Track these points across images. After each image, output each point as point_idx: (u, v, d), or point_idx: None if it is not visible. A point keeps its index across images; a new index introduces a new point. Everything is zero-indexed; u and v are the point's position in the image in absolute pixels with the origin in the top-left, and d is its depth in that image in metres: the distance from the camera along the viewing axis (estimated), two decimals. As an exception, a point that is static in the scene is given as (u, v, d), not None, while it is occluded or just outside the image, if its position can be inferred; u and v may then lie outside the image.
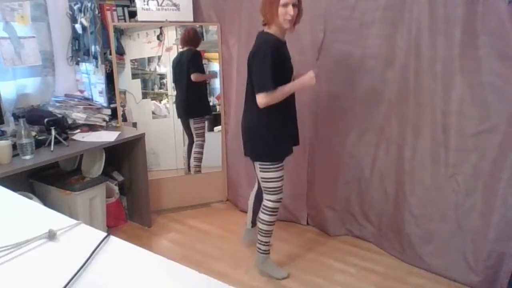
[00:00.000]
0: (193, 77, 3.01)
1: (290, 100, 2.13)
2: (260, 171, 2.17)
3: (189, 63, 3.02)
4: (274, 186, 2.18)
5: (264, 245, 2.32)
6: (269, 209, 2.22)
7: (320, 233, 2.85)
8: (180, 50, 3.01)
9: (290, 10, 1.95)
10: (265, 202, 2.23)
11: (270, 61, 1.95)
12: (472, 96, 2.09)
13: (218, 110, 3.17)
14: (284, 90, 2.01)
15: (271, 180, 2.16)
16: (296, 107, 2.24)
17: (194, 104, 3.12)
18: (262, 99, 1.98)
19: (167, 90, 3.05)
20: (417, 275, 2.38)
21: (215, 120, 3.19)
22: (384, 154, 2.53)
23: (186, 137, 3.16)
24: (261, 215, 2.27)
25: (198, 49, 3.04)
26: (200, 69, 3.07)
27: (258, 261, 2.37)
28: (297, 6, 2.00)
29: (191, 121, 3.12)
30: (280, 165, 2.15)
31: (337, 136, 2.66)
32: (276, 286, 2.29)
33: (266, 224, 2.26)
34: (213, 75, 3.11)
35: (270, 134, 2.11)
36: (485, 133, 2.09)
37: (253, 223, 2.56)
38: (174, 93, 3.07)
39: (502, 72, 1.98)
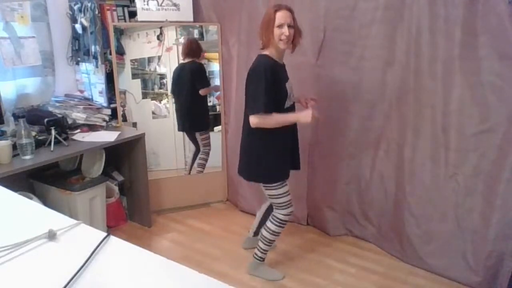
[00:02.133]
0: (202, 92, 3.05)
1: (290, 126, 2.12)
2: (264, 189, 2.21)
3: (195, 77, 3.04)
4: (282, 201, 2.20)
5: (262, 252, 2.33)
6: (278, 221, 2.24)
7: (320, 233, 2.85)
8: (182, 61, 2.99)
9: (286, 30, 1.97)
10: (275, 213, 2.25)
11: (264, 84, 1.95)
12: (472, 96, 2.09)
13: (218, 110, 3.17)
14: (277, 119, 2.02)
15: (277, 197, 2.19)
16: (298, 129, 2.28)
17: (200, 118, 3.15)
18: (253, 120, 2.01)
19: (167, 90, 3.05)
20: (417, 275, 2.38)
21: (215, 120, 3.19)
22: (384, 154, 2.53)
23: (186, 139, 3.16)
24: (268, 224, 2.27)
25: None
26: (208, 83, 3.09)
27: (251, 266, 2.37)
28: (293, 27, 2.01)
29: (197, 134, 3.14)
30: (280, 183, 2.16)
31: (337, 136, 2.66)
32: (276, 286, 2.29)
33: (271, 234, 2.26)
34: (217, 87, 3.12)
35: (269, 156, 2.11)
36: (485, 133, 2.09)
37: (256, 233, 2.56)
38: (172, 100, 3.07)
39: (502, 72, 1.98)
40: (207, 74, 3.09)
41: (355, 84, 2.51)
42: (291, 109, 2.16)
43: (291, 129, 2.18)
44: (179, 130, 3.11)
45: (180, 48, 3.00)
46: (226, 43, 2.99)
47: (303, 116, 2.06)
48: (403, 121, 2.38)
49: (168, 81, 3.04)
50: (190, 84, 3.04)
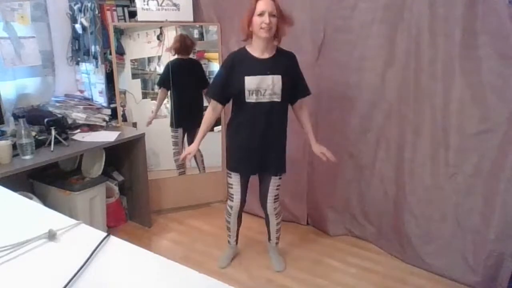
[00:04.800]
0: (205, 92, 3.01)
1: (257, 129, 2.09)
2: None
3: (197, 75, 3.04)
4: (229, 191, 2.32)
5: (228, 236, 2.49)
6: (225, 209, 2.39)
7: (320, 233, 2.85)
8: (177, 57, 2.96)
9: (266, 18, 1.93)
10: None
11: (219, 75, 2.12)
12: (472, 96, 2.09)
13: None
14: (204, 121, 2.22)
15: (228, 185, 2.33)
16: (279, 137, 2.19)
17: (200, 115, 3.11)
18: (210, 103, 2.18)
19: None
20: (417, 275, 2.38)
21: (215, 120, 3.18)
22: (384, 154, 2.53)
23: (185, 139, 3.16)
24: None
25: (198, 49, 3.03)
26: (207, 83, 3.04)
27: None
28: (275, 16, 1.97)
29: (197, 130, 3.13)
30: (231, 173, 2.25)
31: (337, 136, 2.66)
32: (276, 286, 2.29)
33: (225, 220, 2.44)
34: None
35: (229, 145, 2.27)
36: (485, 133, 2.09)
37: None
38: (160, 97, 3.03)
39: (502, 72, 1.98)
40: (207, 74, 3.09)
41: (355, 84, 2.51)
42: (261, 106, 2.05)
43: (259, 133, 2.10)
44: (176, 127, 3.08)
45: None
46: (226, 43, 2.99)
47: (188, 149, 2.23)
48: (403, 121, 2.38)
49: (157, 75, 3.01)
50: (191, 80, 3.03)
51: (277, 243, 2.49)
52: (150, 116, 3.02)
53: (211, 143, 3.14)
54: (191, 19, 2.99)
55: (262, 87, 2.02)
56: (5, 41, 2.41)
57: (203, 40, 3.05)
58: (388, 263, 2.50)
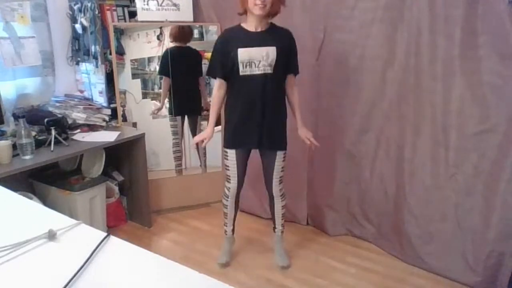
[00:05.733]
0: (201, 80, 3.08)
1: (256, 103, 2.11)
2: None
3: (196, 63, 3.05)
4: (226, 173, 2.31)
5: (224, 225, 2.48)
6: (223, 192, 2.38)
7: (320, 233, 2.85)
8: (176, 45, 2.96)
9: None
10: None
11: (214, 51, 2.16)
12: (472, 96, 2.09)
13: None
14: (212, 105, 2.27)
15: (225, 167, 2.34)
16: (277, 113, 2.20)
17: (198, 102, 3.15)
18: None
19: (167, 93, 3.04)
20: (417, 275, 2.38)
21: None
22: (384, 154, 2.53)
23: (186, 139, 3.15)
24: None
25: (198, 49, 3.04)
26: (201, 73, 3.09)
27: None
28: None
29: (199, 118, 3.14)
30: (228, 152, 2.25)
31: (337, 136, 2.66)
32: (276, 286, 2.29)
33: (223, 205, 2.42)
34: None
35: (227, 121, 2.26)
36: (485, 133, 2.09)
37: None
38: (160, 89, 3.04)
39: (502, 72, 1.98)
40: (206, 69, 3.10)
41: (355, 84, 2.51)
42: (256, 78, 2.07)
43: (255, 106, 2.11)
44: (175, 115, 3.07)
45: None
46: (226, 43, 2.99)
47: (202, 134, 2.27)
48: (403, 121, 2.38)
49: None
50: (189, 68, 3.04)
51: (282, 232, 2.46)
52: (156, 107, 3.03)
53: (211, 143, 3.13)
54: (191, 19, 2.99)
55: (256, 59, 2.05)
56: (5, 41, 2.41)
57: (203, 40, 3.05)
58: (388, 263, 2.50)
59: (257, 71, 2.07)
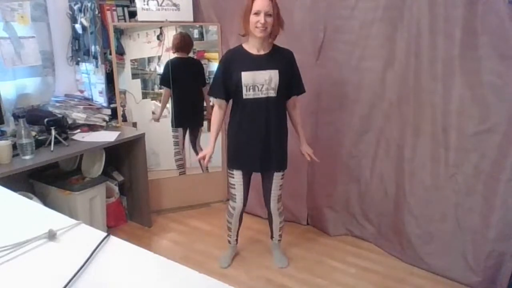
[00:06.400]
0: (204, 90, 3.05)
1: (260, 125, 2.12)
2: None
3: (198, 73, 3.05)
4: (231, 192, 2.33)
5: (228, 236, 2.50)
6: (227, 210, 2.40)
7: (320, 233, 2.85)
8: (177, 56, 2.97)
9: (261, 18, 1.96)
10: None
11: (217, 72, 2.17)
12: (472, 96, 2.09)
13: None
14: (212, 125, 2.26)
15: (229, 186, 2.33)
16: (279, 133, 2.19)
17: (201, 114, 3.15)
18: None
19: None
20: (417, 275, 2.38)
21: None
22: (384, 154, 2.53)
23: (186, 139, 3.15)
24: None
25: (198, 49, 3.04)
26: (205, 82, 3.08)
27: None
28: (272, 16, 1.99)
29: (201, 129, 3.15)
30: (232, 172, 2.26)
31: (337, 136, 2.66)
32: (276, 286, 2.29)
33: (226, 221, 2.44)
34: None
35: (229, 142, 2.27)
36: (485, 133, 2.09)
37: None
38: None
39: (502, 72, 1.98)
40: (207, 75, 3.09)
41: (355, 84, 2.51)
42: (258, 102, 2.08)
43: (259, 129, 2.12)
44: (176, 126, 3.07)
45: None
46: (226, 43, 2.99)
47: (204, 151, 2.26)
48: (403, 121, 2.38)
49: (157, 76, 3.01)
50: (191, 80, 3.04)
51: (279, 240, 2.50)
52: (154, 117, 3.03)
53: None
54: (191, 19, 2.99)
55: (259, 82, 2.06)
56: (5, 41, 2.41)
57: (203, 40, 3.05)
58: (388, 263, 2.50)
59: (260, 94, 2.08)
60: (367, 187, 2.64)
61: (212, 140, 2.25)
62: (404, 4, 2.21)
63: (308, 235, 2.83)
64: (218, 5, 2.97)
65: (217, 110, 2.23)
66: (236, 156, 2.24)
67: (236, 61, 2.10)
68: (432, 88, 2.21)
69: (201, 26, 3.03)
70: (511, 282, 2.08)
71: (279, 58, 2.12)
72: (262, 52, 2.09)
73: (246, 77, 2.05)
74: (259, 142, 2.16)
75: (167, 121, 3.07)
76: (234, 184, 2.28)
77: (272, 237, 2.52)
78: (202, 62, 3.05)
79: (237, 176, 2.25)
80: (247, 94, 2.07)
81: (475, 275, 2.21)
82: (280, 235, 2.49)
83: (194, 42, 3.01)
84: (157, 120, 3.04)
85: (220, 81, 2.13)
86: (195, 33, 3.03)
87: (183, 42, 2.96)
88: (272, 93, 2.09)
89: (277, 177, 2.26)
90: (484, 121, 2.08)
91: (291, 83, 2.17)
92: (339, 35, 2.50)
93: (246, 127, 2.15)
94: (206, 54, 3.07)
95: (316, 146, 2.73)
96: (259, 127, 2.13)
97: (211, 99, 2.27)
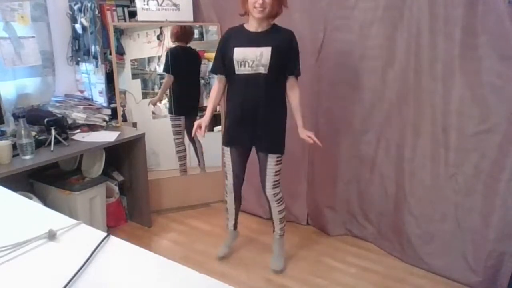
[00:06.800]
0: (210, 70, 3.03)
1: (249, 101, 2.12)
2: None
3: (198, 63, 3.05)
4: (225, 169, 2.38)
5: (226, 219, 2.55)
6: (224, 189, 2.46)
7: (320, 233, 2.85)
8: (178, 45, 2.97)
9: None
10: None
11: (217, 49, 2.21)
12: (472, 96, 2.09)
13: (218, 110, 3.16)
14: (210, 98, 2.30)
15: (223, 164, 2.40)
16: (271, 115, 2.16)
17: (198, 101, 3.15)
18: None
19: (167, 90, 3.05)
20: (417, 275, 2.38)
21: (215, 120, 3.18)
22: (384, 154, 2.53)
23: (186, 140, 3.15)
24: None
25: (198, 49, 3.04)
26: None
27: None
28: None
29: (197, 118, 3.13)
30: (225, 149, 2.29)
31: (337, 136, 2.66)
32: (276, 286, 2.29)
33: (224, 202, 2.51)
34: None
35: (225, 117, 2.32)
36: (485, 133, 2.09)
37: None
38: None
39: (502, 72, 1.98)
40: (208, 75, 3.10)
41: (355, 84, 2.51)
42: (251, 78, 2.08)
43: (248, 105, 2.12)
44: (177, 114, 3.06)
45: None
46: (226, 43, 2.99)
47: (197, 121, 2.23)
48: (403, 121, 2.38)
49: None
50: (191, 68, 3.05)
51: (281, 235, 2.43)
52: (153, 100, 3.03)
53: (211, 143, 3.14)
54: (191, 19, 2.99)
55: (249, 58, 2.06)
56: (5, 41, 2.41)
57: (203, 40, 3.05)
58: (388, 263, 2.50)
59: (250, 70, 2.07)
60: (367, 187, 2.64)
61: (208, 111, 2.26)
62: (404, 4, 2.21)
63: (308, 235, 2.83)
64: (218, 5, 2.97)
65: (217, 84, 2.28)
66: (227, 133, 2.27)
67: (233, 37, 2.13)
68: (432, 88, 2.21)
69: (201, 26, 3.03)
70: (511, 282, 2.08)
71: (275, 37, 2.09)
72: (259, 30, 2.10)
73: (238, 52, 2.07)
74: (248, 119, 2.14)
75: (166, 120, 3.07)
76: (225, 162, 2.33)
77: (273, 229, 2.45)
78: (202, 62, 3.06)
79: (227, 153, 2.29)
80: (238, 69, 2.09)
81: (475, 275, 2.21)
82: (282, 229, 2.40)
83: (194, 42, 3.02)
84: (154, 104, 3.02)
85: (219, 57, 2.18)
86: (195, 33, 3.03)
87: (183, 31, 2.97)
88: (262, 70, 2.06)
89: (271, 160, 2.20)
90: (484, 121, 2.08)
91: (286, 63, 2.12)
92: (339, 35, 2.50)
93: (238, 103, 2.16)
94: (206, 54, 3.07)
95: (316, 146, 2.74)
96: (249, 104, 2.13)
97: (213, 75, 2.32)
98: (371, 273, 2.40)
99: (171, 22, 2.93)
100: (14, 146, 2.16)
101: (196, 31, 3.03)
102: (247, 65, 2.07)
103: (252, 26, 2.11)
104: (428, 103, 2.24)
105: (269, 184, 2.27)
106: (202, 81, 3.13)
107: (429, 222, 2.36)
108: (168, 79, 3.00)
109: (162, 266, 0.83)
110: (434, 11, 2.10)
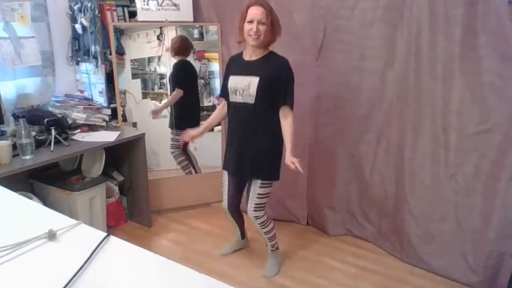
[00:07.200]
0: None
1: (238, 129, 2.15)
2: None
3: (197, 78, 3.07)
4: (221, 192, 2.36)
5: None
6: None
7: (320, 233, 2.85)
8: (180, 59, 2.98)
9: (254, 26, 1.96)
10: None
11: (224, 73, 2.25)
12: (472, 96, 2.09)
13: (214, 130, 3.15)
14: (210, 118, 2.39)
15: (222, 185, 2.37)
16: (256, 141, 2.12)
17: (198, 116, 3.16)
18: None
19: (167, 90, 3.05)
20: (417, 275, 2.38)
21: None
22: (384, 154, 2.53)
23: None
24: None
25: (198, 49, 3.04)
26: None
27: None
28: (266, 24, 1.97)
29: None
30: (223, 172, 2.31)
31: (337, 136, 2.66)
32: (276, 286, 2.29)
33: None
34: None
35: (226, 142, 2.34)
36: (485, 133, 2.09)
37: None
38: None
39: (502, 72, 1.98)
40: (207, 75, 3.10)
41: (355, 84, 2.51)
42: (240, 107, 2.09)
43: (238, 133, 2.15)
44: (177, 127, 3.06)
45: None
46: (226, 43, 2.99)
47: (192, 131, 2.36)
48: (403, 121, 2.38)
49: (167, 80, 3.03)
50: (193, 82, 3.06)
51: (272, 250, 2.41)
52: (155, 110, 3.03)
53: (211, 143, 3.14)
54: (191, 19, 2.99)
55: (240, 87, 2.09)
56: (5, 41, 2.41)
57: (203, 40, 3.05)
58: (388, 263, 2.50)
59: (241, 99, 2.09)
60: (367, 187, 2.64)
61: (204, 125, 2.38)
62: (404, 4, 2.21)
63: (308, 235, 2.83)
64: (218, 5, 2.97)
65: (221, 106, 2.35)
66: (224, 157, 2.33)
67: (232, 65, 2.20)
68: (432, 88, 2.21)
69: (201, 26, 3.03)
70: (511, 282, 2.09)
71: (266, 66, 2.04)
72: (253, 58, 2.09)
73: (231, 80, 2.13)
74: (236, 147, 2.18)
75: (166, 121, 3.07)
76: (222, 182, 2.35)
77: (266, 245, 2.43)
78: (202, 62, 3.06)
79: (224, 176, 2.32)
80: (231, 97, 2.14)
81: (475, 275, 2.21)
82: (273, 245, 2.39)
83: (194, 42, 3.02)
84: (157, 113, 3.03)
85: (223, 84, 2.23)
86: (195, 33, 3.03)
87: (183, 44, 2.97)
88: (249, 100, 2.04)
89: (255, 184, 2.16)
90: (484, 121, 2.08)
91: (276, 93, 2.04)
92: (339, 35, 2.50)
93: (230, 129, 2.24)
94: (206, 54, 3.07)
95: (316, 146, 2.75)
96: (239, 130, 2.17)
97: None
98: (371, 273, 2.41)
99: (171, 22, 2.93)
100: (14, 146, 2.16)
101: (196, 31, 3.03)
102: (238, 93, 2.10)
103: (247, 54, 2.12)
104: (428, 103, 2.24)
105: (250, 205, 2.21)
106: (202, 81, 3.13)
107: (429, 222, 2.36)
108: (177, 93, 3.01)
109: (162, 266, 0.83)
110: (434, 11, 2.10)
